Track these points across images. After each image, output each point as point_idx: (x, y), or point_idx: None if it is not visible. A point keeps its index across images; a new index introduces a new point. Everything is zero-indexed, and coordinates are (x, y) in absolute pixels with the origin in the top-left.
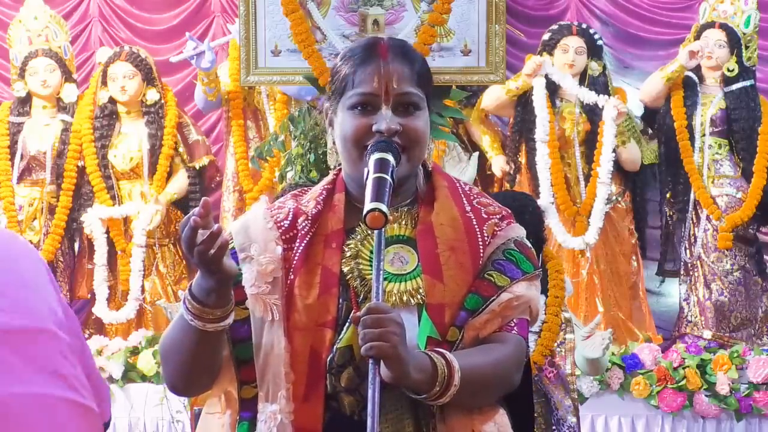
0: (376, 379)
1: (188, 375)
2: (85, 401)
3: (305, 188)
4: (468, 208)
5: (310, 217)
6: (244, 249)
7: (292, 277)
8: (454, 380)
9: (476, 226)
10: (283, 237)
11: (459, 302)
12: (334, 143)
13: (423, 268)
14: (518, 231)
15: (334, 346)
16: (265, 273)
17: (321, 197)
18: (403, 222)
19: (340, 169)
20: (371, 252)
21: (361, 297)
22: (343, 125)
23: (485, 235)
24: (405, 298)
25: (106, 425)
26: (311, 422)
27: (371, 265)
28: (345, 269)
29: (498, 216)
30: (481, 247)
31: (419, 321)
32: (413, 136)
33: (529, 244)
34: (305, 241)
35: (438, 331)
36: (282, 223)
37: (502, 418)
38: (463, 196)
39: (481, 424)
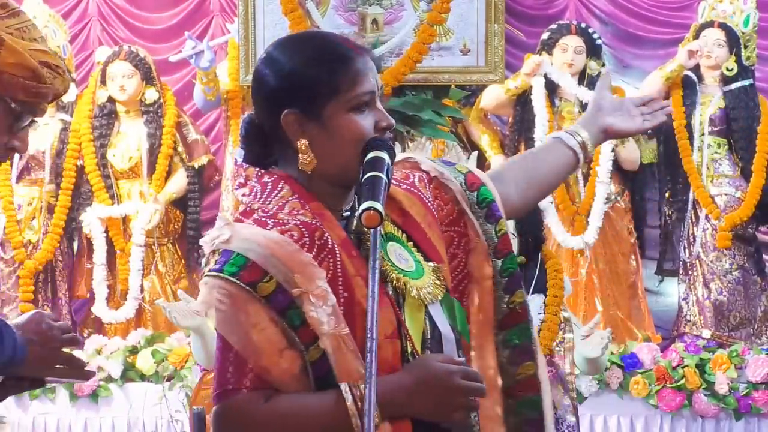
0: (372, 379)
1: None
2: None
3: (265, 214)
4: (403, 186)
5: (325, 230)
6: (291, 283)
7: (346, 294)
8: None
9: (421, 194)
10: (316, 258)
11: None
12: (307, 150)
13: (430, 256)
14: (433, 170)
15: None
16: (327, 306)
17: (305, 208)
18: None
19: (287, 177)
20: (387, 253)
21: (400, 300)
22: (351, 128)
23: (428, 198)
24: (436, 291)
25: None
26: None
27: (392, 266)
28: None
29: (416, 177)
30: (435, 210)
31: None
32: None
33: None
34: (337, 256)
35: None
36: (303, 242)
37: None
38: None
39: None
